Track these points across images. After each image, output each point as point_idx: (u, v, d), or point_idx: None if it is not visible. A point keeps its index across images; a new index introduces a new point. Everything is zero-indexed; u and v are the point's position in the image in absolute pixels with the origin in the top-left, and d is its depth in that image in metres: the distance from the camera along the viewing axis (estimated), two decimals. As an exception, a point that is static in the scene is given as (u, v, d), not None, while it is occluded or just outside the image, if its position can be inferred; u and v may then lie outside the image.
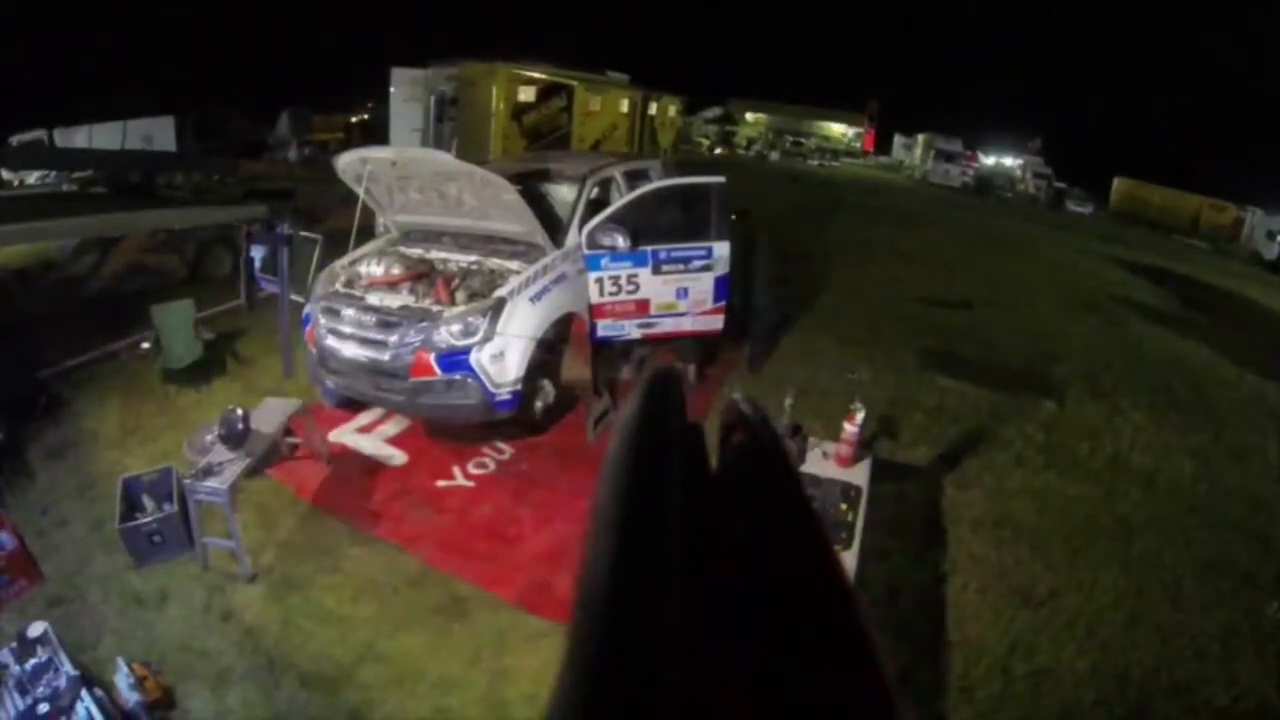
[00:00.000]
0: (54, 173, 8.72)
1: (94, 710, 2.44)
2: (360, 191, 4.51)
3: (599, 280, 4.61)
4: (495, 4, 43.34)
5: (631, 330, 4.85)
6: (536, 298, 4.15)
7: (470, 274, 4.38)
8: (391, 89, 12.17)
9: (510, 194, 4.15)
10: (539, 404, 4.40)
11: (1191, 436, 5.36)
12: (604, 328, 4.78)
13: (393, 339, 3.97)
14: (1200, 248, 21.97)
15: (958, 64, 61.61)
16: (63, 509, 3.65)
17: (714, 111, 32.87)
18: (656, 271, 4.68)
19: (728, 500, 0.36)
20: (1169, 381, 6.60)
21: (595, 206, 4.79)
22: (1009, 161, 31.98)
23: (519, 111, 11.75)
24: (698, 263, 4.72)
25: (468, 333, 3.89)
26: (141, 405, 4.71)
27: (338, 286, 4.36)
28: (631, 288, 4.68)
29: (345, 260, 4.62)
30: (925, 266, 10.61)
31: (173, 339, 4.94)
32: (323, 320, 4.25)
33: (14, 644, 2.69)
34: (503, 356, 3.93)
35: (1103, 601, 3.37)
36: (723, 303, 4.88)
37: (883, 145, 37.01)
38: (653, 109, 17.38)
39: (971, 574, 3.47)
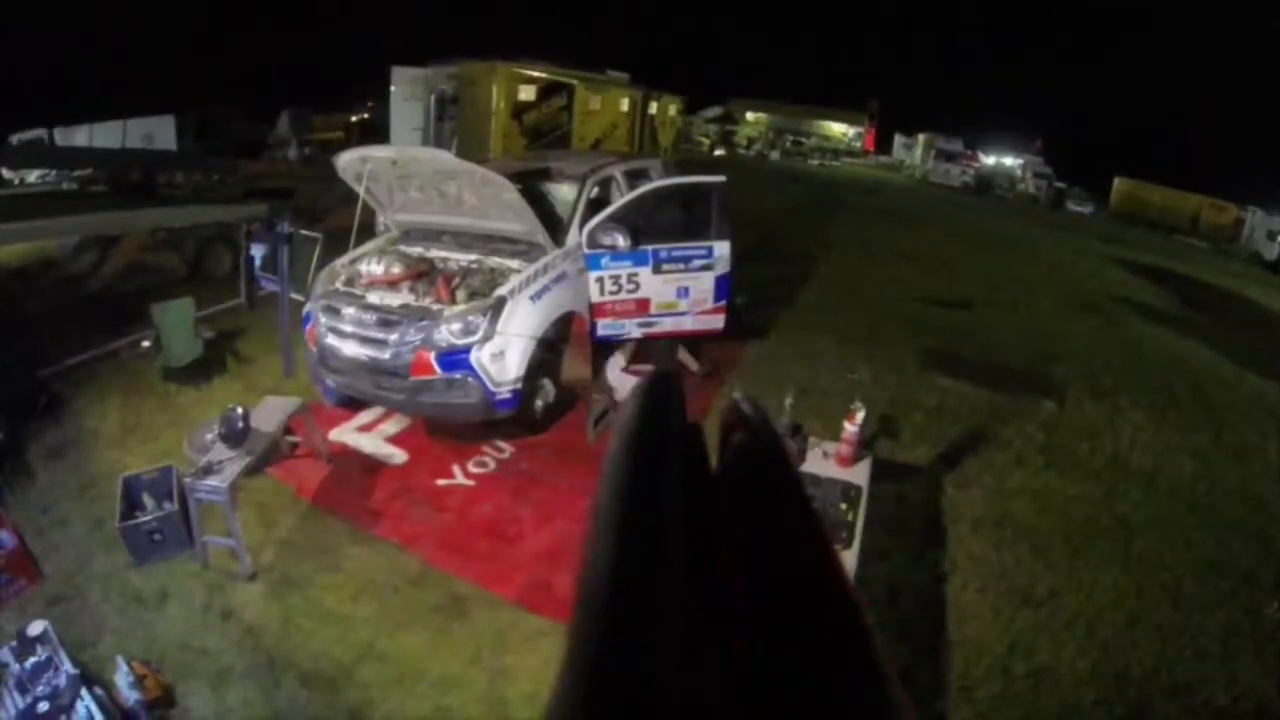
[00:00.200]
0: (54, 171, 8.69)
1: (94, 709, 2.44)
2: (360, 190, 4.51)
3: (599, 279, 4.62)
4: (495, 3, 43.40)
5: (632, 329, 4.87)
6: (537, 297, 4.15)
7: (470, 273, 4.38)
8: (392, 88, 12.15)
9: (511, 193, 4.15)
10: (539, 403, 4.40)
11: (1191, 436, 5.36)
12: (604, 327, 4.79)
13: (393, 338, 3.97)
14: (1200, 248, 21.96)
15: (958, 64, 61.76)
16: (63, 507, 3.65)
17: (714, 111, 32.79)
18: (657, 271, 4.68)
19: (728, 500, 0.36)
20: (1169, 381, 6.59)
21: (596, 206, 4.80)
22: (1009, 161, 32.02)
23: (519, 110, 11.75)
24: (698, 262, 4.73)
25: (468, 331, 3.89)
26: (142, 404, 4.71)
27: (338, 285, 4.36)
28: (632, 287, 4.69)
29: (345, 259, 4.62)
30: (925, 266, 10.60)
31: (173, 337, 4.94)
32: (323, 319, 4.25)
33: (14, 642, 2.69)
34: (503, 355, 3.93)
35: (1103, 601, 3.37)
36: (723, 302, 4.89)
37: (883, 145, 36.98)
38: (653, 108, 17.40)
39: (971, 574, 3.47)
